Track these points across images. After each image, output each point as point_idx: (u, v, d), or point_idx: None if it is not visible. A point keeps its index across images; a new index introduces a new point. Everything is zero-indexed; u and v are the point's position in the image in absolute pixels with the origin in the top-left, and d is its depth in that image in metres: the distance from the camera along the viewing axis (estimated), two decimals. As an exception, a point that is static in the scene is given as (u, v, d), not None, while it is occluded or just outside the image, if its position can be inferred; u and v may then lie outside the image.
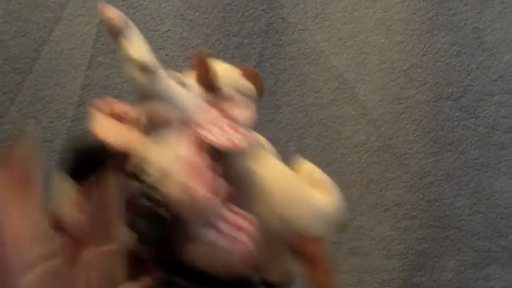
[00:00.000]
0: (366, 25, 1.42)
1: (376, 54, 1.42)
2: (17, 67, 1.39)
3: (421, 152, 1.42)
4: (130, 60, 0.85)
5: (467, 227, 1.44)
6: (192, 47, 1.40)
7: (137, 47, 0.86)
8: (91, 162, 0.81)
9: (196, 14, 1.40)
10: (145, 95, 0.85)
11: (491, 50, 1.42)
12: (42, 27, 1.40)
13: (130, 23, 0.84)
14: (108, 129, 0.86)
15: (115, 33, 0.84)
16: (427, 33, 1.41)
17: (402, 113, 1.42)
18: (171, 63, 1.40)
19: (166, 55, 1.40)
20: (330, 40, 1.42)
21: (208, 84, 0.90)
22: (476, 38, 1.42)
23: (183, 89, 0.88)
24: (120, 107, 0.89)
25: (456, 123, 1.42)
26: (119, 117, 0.88)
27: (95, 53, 1.40)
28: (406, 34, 1.41)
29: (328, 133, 1.43)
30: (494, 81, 1.42)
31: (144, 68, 0.85)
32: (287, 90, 1.40)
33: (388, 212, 1.35)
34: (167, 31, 1.40)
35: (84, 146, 0.82)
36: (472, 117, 1.43)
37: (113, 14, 0.84)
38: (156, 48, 1.38)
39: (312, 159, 1.42)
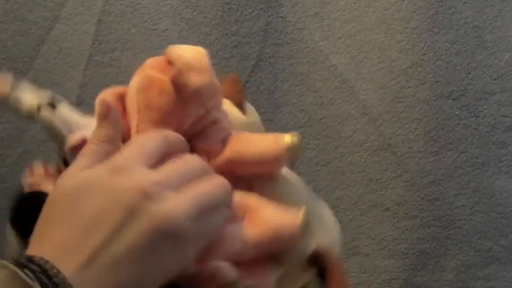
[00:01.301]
0: (365, 24, 1.42)
1: (375, 53, 1.41)
2: (15, 66, 1.39)
3: (421, 151, 1.42)
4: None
5: (468, 227, 1.43)
6: (191, 46, 1.39)
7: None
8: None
9: (195, 13, 1.40)
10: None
11: (492, 48, 1.42)
12: (40, 26, 1.39)
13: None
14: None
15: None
16: (427, 31, 1.40)
17: (402, 112, 1.41)
18: (170, 62, 1.40)
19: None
20: (329, 39, 1.42)
21: (238, 102, 0.86)
22: (477, 37, 1.41)
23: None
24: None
25: (456, 122, 1.42)
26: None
27: (93, 52, 1.39)
28: (406, 33, 1.41)
29: (327, 132, 1.42)
30: (494, 80, 1.42)
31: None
32: (286, 90, 1.39)
33: (389, 212, 1.35)
34: (165, 30, 1.40)
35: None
36: (472, 116, 1.42)
37: None
38: (155, 48, 1.40)
39: (312, 159, 1.43)
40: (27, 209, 0.75)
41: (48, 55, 1.39)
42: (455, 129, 1.42)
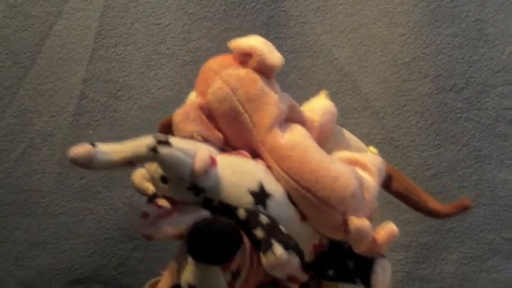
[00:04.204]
0: (367, 17, 1.42)
1: (378, 47, 1.42)
2: (19, 61, 1.39)
3: (423, 144, 1.42)
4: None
5: (470, 219, 1.44)
6: (194, 40, 1.40)
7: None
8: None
9: (198, 7, 1.40)
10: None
11: (494, 41, 1.42)
12: (44, 21, 1.39)
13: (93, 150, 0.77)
14: None
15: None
16: (429, 25, 1.41)
17: (405, 105, 1.42)
18: (173, 56, 1.40)
19: (167, 48, 1.40)
20: (332, 33, 1.42)
21: None
22: (478, 30, 1.42)
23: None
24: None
25: (459, 115, 1.42)
26: None
27: (97, 46, 1.39)
28: (408, 26, 1.41)
29: (330, 126, 1.42)
30: (496, 72, 1.42)
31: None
32: (289, 83, 1.40)
33: (391, 205, 1.35)
34: (168, 24, 1.40)
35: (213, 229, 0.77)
36: (474, 109, 1.42)
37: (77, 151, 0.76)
38: (158, 42, 1.40)
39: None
40: (203, 236, 0.76)
41: (51, 50, 1.39)
42: (458, 122, 1.42)
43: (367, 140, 1.42)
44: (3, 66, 1.39)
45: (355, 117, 1.42)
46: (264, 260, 0.78)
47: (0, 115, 1.40)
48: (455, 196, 1.43)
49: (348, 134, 1.03)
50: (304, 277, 0.88)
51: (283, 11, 1.41)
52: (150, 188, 0.93)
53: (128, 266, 1.43)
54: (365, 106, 1.41)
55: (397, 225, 1.16)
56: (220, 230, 0.76)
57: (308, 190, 0.82)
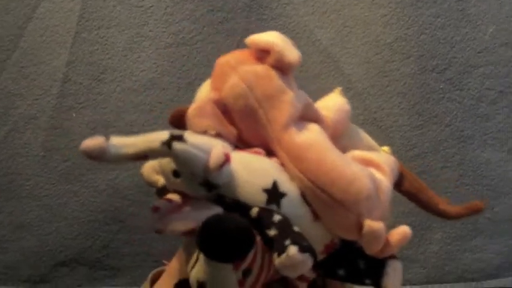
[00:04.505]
0: (349, -2, 1.42)
1: (360, 28, 1.42)
2: (1, 45, 1.39)
3: (406, 124, 1.43)
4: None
5: (454, 199, 1.41)
6: (176, 23, 1.40)
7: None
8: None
9: (180, -11, 1.40)
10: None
11: (476, 22, 1.42)
12: (26, 4, 1.39)
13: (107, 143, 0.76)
14: None
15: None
16: (411, 5, 1.41)
17: (387, 86, 1.42)
18: (155, 38, 1.40)
19: (150, 31, 1.40)
20: (314, 14, 1.42)
21: None
22: (460, 10, 1.42)
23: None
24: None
25: (441, 95, 1.43)
26: None
27: (80, 29, 1.40)
28: (390, 7, 1.41)
29: (313, 106, 1.43)
30: (479, 53, 1.43)
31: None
32: (272, 65, 1.39)
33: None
34: (151, 7, 1.40)
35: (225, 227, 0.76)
36: (457, 90, 1.43)
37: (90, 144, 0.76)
38: (140, 24, 1.40)
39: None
40: (216, 233, 0.75)
41: (34, 33, 1.40)
42: (440, 102, 1.43)
43: (350, 121, 1.43)
44: (-14, 50, 1.39)
45: (338, 98, 1.42)
46: (277, 260, 0.76)
47: (-17, 98, 1.40)
48: (438, 175, 1.43)
49: (361, 132, 1.03)
50: (312, 275, 0.88)
51: (266, -8, 1.42)
52: (160, 180, 0.92)
53: (112, 248, 1.43)
54: (348, 87, 1.41)
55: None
56: (234, 227, 0.75)
57: (323, 191, 0.82)
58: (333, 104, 0.98)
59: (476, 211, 0.99)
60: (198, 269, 0.80)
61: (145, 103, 1.40)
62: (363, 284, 0.89)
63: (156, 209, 0.82)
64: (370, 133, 1.40)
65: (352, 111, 1.41)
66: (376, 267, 0.88)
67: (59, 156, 1.41)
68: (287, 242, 0.76)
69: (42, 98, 1.40)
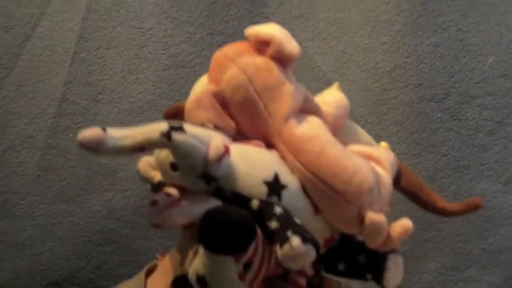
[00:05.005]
0: (350, 26, 1.42)
1: (360, 55, 1.42)
2: (0, 63, 1.39)
3: (403, 153, 1.42)
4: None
5: (448, 229, 1.44)
6: (176, 45, 1.40)
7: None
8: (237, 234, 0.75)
9: (180, 11, 1.40)
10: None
11: (475, 52, 1.42)
12: (26, 23, 1.39)
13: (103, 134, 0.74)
14: None
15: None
16: (411, 34, 1.41)
17: (385, 114, 1.42)
18: (154, 60, 1.40)
19: (149, 52, 1.40)
20: (314, 40, 1.42)
21: None
22: (460, 40, 1.42)
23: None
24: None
25: (439, 125, 1.42)
26: None
27: (78, 49, 1.39)
28: (390, 35, 1.41)
29: (310, 133, 1.42)
30: (477, 83, 1.42)
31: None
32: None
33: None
34: (151, 28, 1.40)
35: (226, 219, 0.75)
36: (454, 119, 1.43)
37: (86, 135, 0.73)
38: (140, 46, 1.40)
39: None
40: (217, 225, 0.74)
41: (33, 52, 1.39)
42: (438, 132, 1.43)
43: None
44: (-16, 67, 1.39)
45: (336, 124, 1.42)
46: (279, 252, 0.75)
47: (-20, 116, 1.40)
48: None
49: (358, 128, 1.02)
50: (311, 271, 0.87)
51: (266, 17, 1.41)
52: (157, 176, 0.90)
53: (105, 269, 1.43)
54: (346, 114, 1.41)
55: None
56: (235, 219, 0.74)
57: (324, 182, 0.81)
58: (332, 99, 0.97)
59: (475, 207, 0.97)
60: (197, 263, 0.78)
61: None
62: (364, 278, 0.89)
63: (154, 203, 0.80)
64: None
65: (350, 137, 1.43)
66: (376, 261, 0.87)
67: (54, 176, 1.40)
68: (289, 233, 0.75)
69: (39, 117, 1.40)
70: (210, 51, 1.41)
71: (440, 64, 1.41)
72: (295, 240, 0.74)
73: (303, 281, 0.88)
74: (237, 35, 1.40)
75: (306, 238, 0.75)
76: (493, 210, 1.45)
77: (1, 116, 1.39)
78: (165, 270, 0.89)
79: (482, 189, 1.44)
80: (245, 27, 1.41)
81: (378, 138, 1.42)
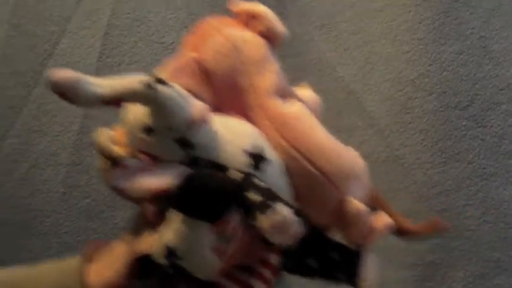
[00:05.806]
0: (372, 35, 1.42)
1: (382, 64, 1.42)
2: (22, 81, 1.39)
3: (428, 162, 1.42)
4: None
5: (476, 237, 1.43)
6: (198, 59, 1.39)
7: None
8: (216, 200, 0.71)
9: (202, 25, 1.40)
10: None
11: (498, 59, 1.42)
12: (47, 40, 1.39)
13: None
14: None
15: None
16: (434, 42, 1.40)
17: (410, 122, 1.41)
18: (177, 75, 1.40)
19: (171, 67, 1.39)
20: (336, 50, 1.42)
21: None
22: (483, 47, 1.41)
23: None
24: None
25: (464, 132, 1.42)
26: None
27: (100, 66, 1.39)
28: (413, 44, 1.41)
29: (335, 144, 1.42)
30: (501, 90, 1.42)
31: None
32: (293, 102, 1.39)
33: (397, 223, 1.34)
34: (172, 43, 1.40)
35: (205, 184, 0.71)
36: (479, 127, 1.42)
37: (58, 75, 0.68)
38: (161, 61, 1.39)
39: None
40: (197, 188, 0.71)
41: (55, 69, 1.39)
42: (463, 139, 1.42)
43: (372, 158, 1.42)
44: (7, 86, 1.39)
45: (360, 135, 1.42)
46: (264, 221, 0.70)
47: (4, 134, 1.39)
48: (461, 213, 1.42)
49: None
50: (278, 264, 0.82)
51: (287, 29, 1.40)
52: (117, 151, 0.82)
53: (132, 285, 1.42)
54: (370, 124, 1.40)
55: (403, 243, 1.16)
56: (217, 183, 0.71)
57: (311, 162, 0.77)
58: (305, 95, 0.93)
59: (440, 229, 0.96)
60: (167, 234, 0.73)
61: (166, 140, 1.39)
62: (335, 278, 0.84)
63: (123, 166, 0.74)
64: (392, 170, 1.41)
65: (374, 148, 1.43)
66: (351, 259, 0.83)
67: (79, 193, 1.40)
68: (276, 204, 0.71)
69: (62, 134, 1.39)
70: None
71: (464, 71, 1.41)
72: (284, 209, 0.71)
73: (269, 275, 0.82)
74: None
75: (294, 210, 0.71)
76: (521, 217, 1.45)
77: (24, 134, 1.39)
78: (115, 255, 0.83)
79: (508, 196, 1.43)
80: (266, 39, 1.42)
81: (402, 148, 1.42)
